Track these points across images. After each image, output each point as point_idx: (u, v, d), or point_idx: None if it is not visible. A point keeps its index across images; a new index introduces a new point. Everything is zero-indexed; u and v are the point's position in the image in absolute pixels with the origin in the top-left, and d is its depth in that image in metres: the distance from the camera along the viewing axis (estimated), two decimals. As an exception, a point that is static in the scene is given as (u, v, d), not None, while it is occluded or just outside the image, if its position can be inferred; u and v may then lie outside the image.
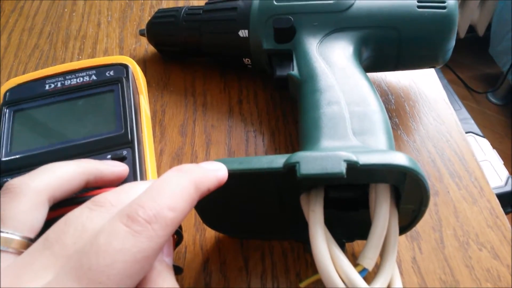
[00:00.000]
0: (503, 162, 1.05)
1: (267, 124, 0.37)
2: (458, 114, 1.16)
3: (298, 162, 0.23)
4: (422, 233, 0.31)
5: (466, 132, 1.10)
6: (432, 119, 0.37)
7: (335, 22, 0.33)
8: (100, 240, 0.17)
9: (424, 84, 0.40)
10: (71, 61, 0.42)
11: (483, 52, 1.54)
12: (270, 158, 0.24)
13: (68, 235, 0.18)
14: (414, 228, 0.30)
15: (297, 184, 0.24)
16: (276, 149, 0.35)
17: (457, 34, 1.57)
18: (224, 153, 0.35)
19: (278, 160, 0.24)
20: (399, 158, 0.22)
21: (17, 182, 0.21)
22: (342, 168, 0.22)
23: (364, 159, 0.22)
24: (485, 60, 1.57)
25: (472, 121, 1.14)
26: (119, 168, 0.26)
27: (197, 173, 0.21)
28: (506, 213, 1.05)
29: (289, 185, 0.25)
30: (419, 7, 0.32)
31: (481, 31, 1.55)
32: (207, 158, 0.35)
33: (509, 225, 0.31)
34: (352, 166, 0.22)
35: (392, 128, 0.36)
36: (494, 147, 1.09)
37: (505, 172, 1.04)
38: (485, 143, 1.08)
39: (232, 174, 0.23)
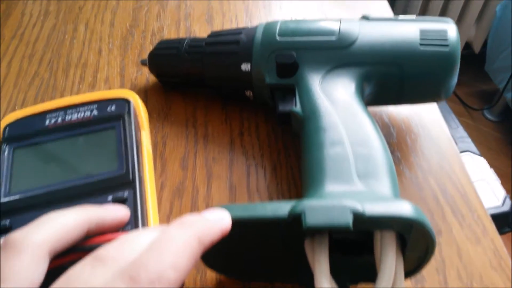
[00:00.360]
0: (500, 182, 1.06)
1: (268, 157, 0.37)
2: (455, 132, 1.17)
3: (303, 212, 0.22)
4: (426, 276, 0.30)
5: (463, 151, 1.11)
6: (434, 153, 0.37)
7: (337, 58, 0.33)
8: None
9: (425, 116, 0.40)
10: (71, 90, 0.41)
11: (479, 69, 1.55)
12: (274, 206, 0.24)
13: None
14: (417, 269, 0.30)
15: (301, 231, 0.24)
16: (278, 184, 0.35)
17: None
18: (226, 187, 0.35)
19: (283, 208, 0.23)
20: (405, 209, 0.22)
21: (17, 237, 0.20)
22: (349, 220, 0.22)
23: (370, 209, 0.22)
24: (481, 77, 1.58)
25: (469, 140, 1.14)
26: (121, 213, 0.25)
27: (201, 226, 0.21)
28: (504, 233, 1.05)
29: (293, 232, 0.25)
30: (421, 44, 0.32)
31: (477, 48, 1.56)
32: (208, 193, 0.35)
33: (513, 266, 0.31)
34: (358, 217, 0.22)
35: (395, 162, 0.36)
36: (490, 164, 1.10)
37: (502, 192, 1.04)
38: (482, 162, 1.09)
39: (236, 222, 0.23)
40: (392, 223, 0.23)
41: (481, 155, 1.11)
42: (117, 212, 0.25)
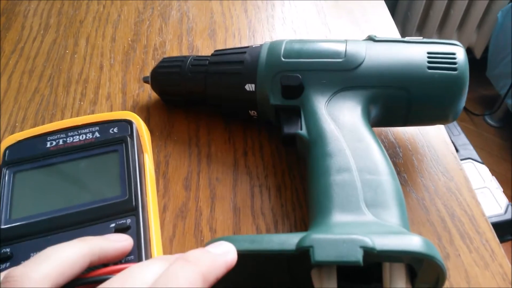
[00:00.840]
0: (502, 190, 1.05)
1: (273, 178, 0.36)
2: (457, 139, 1.17)
3: (312, 247, 0.22)
4: (434, 301, 0.30)
5: (465, 159, 1.10)
6: (441, 174, 0.36)
7: (344, 81, 0.33)
8: None
9: (431, 135, 0.39)
10: (72, 107, 0.41)
11: (481, 75, 1.54)
12: (282, 239, 0.23)
13: None
14: (425, 296, 0.30)
15: (309, 264, 0.24)
16: (283, 205, 0.35)
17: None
18: (230, 208, 0.34)
19: (290, 241, 0.23)
20: (415, 243, 0.22)
21: (18, 273, 0.20)
22: (359, 256, 0.21)
23: (380, 243, 0.22)
24: (483, 82, 1.58)
25: (471, 147, 1.14)
26: (123, 243, 0.25)
27: (206, 262, 0.20)
28: (506, 240, 1.05)
29: (300, 264, 0.24)
30: (429, 68, 0.32)
31: (478, 53, 1.56)
32: (211, 215, 0.34)
33: (522, 293, 0.30)
34: (368, 252, 0.21)
35: (401, 183, 0.36)
36: (491, 170, 1.09)
37: (504, 200, 1.03)
38: (484, 170, 1.08)
39: (242, 254, 0.23)
40: (402, 257, 0.23)
41: (483, 162, 1.11)
42: (120, 242, 0.25)
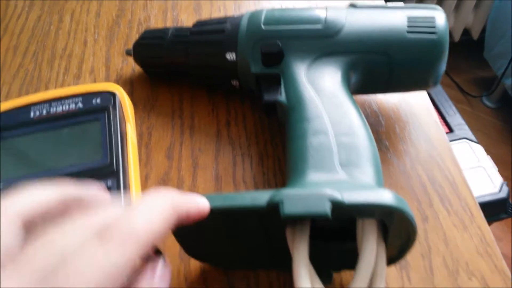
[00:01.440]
0: (497, 169, 1.05)
1: (255, 147, 0.36)
2: (452, 119, 1.17)
3: (281, 201, 0.22)
4: (411, 261, 0.30)
5: (460, 138, 1.10)
6: (423, 141, 0.37)
7: (323, 47, 0.33)
8: (71, 255, 0.16)
9: (414, 104, 0.39)
10: (56, 81, 0.41)
11: (478, 56, 1.54)
12: (253, 195, 0.23)
13: (38, 251, 0.17)
14: (403, 257, 0.30)
15: (282, 219, 0.24)
16: (264, 174, 0.35)
17: (452, 37, 1.57)
18: (211, 178, 0.35)
19: (261, 197, 0.23)
20: (385, 197, 0.22)
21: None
22: (326, 208, 0.21)
23: (349, 197, 0.22)
24: (480, 63, 1.57)
25: (467, 127, 1.14)
26: (101, 196, 0.25)
27: (176, 197, 0.21)
28: (501, 219, 1.05)
29: (274, 220, 0.24)
30: (409, 32, 0.32)
31: (475, 34, 1.55)
32: (193, 183, 0.34)
33: (499, 254, 0.31)
34: (337, 205, 0.22)
35: (382, 150, 0.36)
36: (488, 152, 1.09)
37: (499, 179, 1.03)
38: (479, 149, 1.08)
39: (214, 211, 0.23)
40: (372, 211, 0.23)
41: (478, 142, 1.11)
42: (97, 194, 0.25)
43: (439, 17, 0.32)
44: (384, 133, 0.37)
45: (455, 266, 0.30)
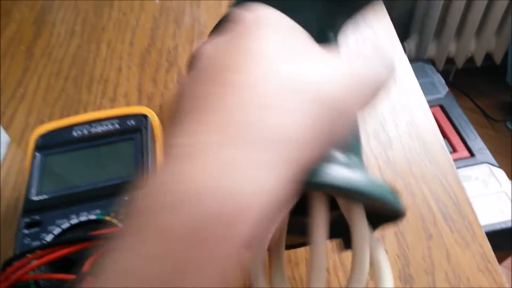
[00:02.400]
0: (519, 194, 1.04)
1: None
2: (473, 144, 1.17)
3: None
4: (416, 277, 0.32)
5: (482, 163, 1.10)
6: (428, 162, 0.39)
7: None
8: None
9: (420, 124, 0.42)
10: (94, 104, 0.45)
11: (501, 80, 1.53)
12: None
13: None
14: (408, 272, 0.32)
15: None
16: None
17: (474, 62, 1.58)
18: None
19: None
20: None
21: None
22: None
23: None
24: (503, 88, 1.56)
25: (488, 151, 1.13)
26: None
27: None
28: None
29: None
30: None
31: (498, 59, 1.55)
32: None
33: (499, 270, 0.32)
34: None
35: (389, 172, 0.38)
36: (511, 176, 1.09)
37: (522, 204, 1.02)
38: (500, 174, 1.08)
39: None
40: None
41: (500, 166, 1.10)
42: None
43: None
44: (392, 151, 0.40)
45: (457, 281, 0.32)
